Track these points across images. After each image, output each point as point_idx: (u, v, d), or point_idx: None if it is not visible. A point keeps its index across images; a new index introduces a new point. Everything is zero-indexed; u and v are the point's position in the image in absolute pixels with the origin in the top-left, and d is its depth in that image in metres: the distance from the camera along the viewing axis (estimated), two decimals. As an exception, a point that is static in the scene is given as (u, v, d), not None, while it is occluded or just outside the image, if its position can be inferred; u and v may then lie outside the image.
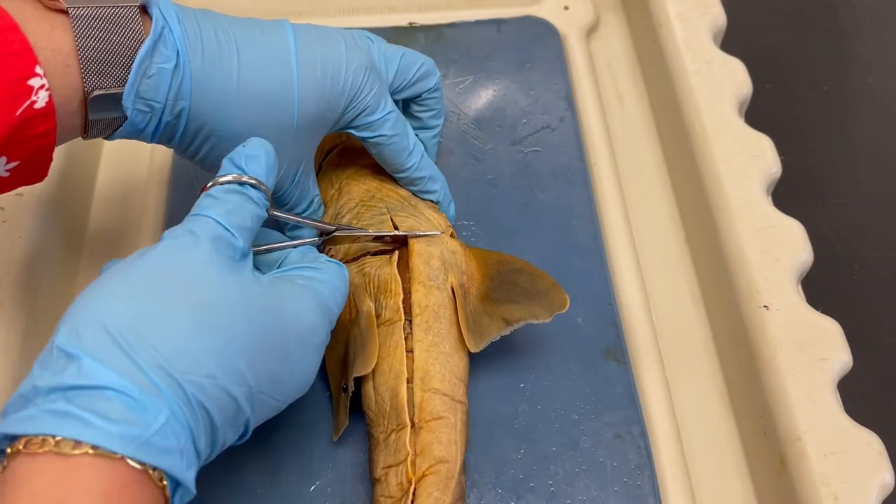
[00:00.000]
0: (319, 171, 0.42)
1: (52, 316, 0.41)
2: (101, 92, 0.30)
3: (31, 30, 0.29)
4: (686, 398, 0.40)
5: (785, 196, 0.43)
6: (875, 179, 0.57)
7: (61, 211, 0.43)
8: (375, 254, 0.38)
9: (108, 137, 0.33)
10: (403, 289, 0.36)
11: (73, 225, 0.45)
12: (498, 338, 0.37)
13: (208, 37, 0.33)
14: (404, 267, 0.37)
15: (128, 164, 0.48)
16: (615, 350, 0.40)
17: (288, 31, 0.35)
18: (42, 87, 0.28)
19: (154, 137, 0.34)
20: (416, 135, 0.40)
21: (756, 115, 0.46)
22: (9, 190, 0.32)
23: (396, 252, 0.38)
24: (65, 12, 0.29)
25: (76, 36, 0.29)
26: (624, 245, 0.44)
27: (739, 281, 0.39)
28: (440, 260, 0.37)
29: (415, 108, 0.41)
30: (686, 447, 0.38)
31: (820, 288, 0.42)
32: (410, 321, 0.36)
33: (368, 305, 0.36)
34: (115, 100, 0.31)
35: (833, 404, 0.36)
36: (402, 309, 0.36)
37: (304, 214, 0.39)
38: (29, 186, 0.41)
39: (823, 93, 0.61)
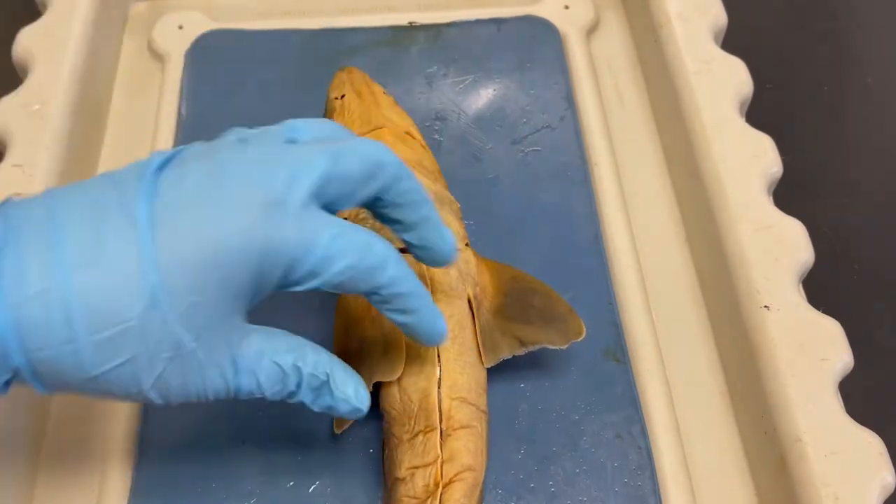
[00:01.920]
0: None
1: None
2: None
3: None
4: (686, 398, 0.40)
5: (785, 196, 0.43)
6: (875, 179, 0.56)
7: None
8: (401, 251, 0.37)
9: None
10: None
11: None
12: (510, 356, 0.37)
13: (32, 275, 0.25)
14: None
15: (128, 155, 0.48)
16: (615, 350, 0.40)
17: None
18: None
19: None
20: (403, 236, 0.32)
21: (756, 115, 0.46)
22: None
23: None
24: None
25: None
26: (624, 245, 0.44)
27: (740, 281, 0.39)
28: (457, 270, 0.37)
29: (381, 211, 0.31)
30: (686, 447, 0.38)
31: (820, 288, 0.41)
32: None
33: None
34: None
35: (834, 404, 0.36)
36: None
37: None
38: (25, 181, 0.42)
39: (823, 93, 0.60)
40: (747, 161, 0.43)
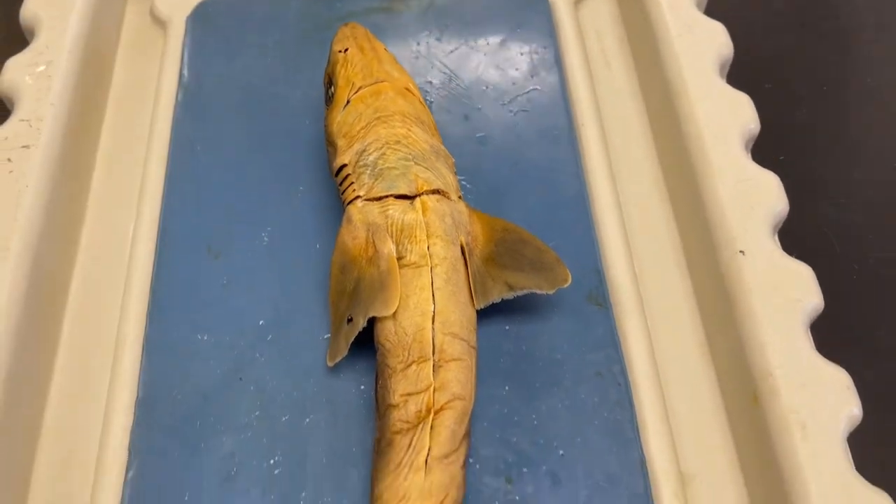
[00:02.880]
0: (347, 104, 0.42)
1: (57, 262, 0.43)
2: None
3: None
4: (665, 338, 0.41)
5: (790, 193, 0.43)
6: (875, 179, 0.57)
7: (67, 163, 0.45)
8: (398, 197, 0.39)
9: None
10: None
11: (79, 176, 0.46)
12: (500, 300, 0.39)
13: None
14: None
15: (131, 117, 0.50)
16: (597, 295, 0.42)
17: None
18: None
19: None
20: None
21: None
22: None
23: (419, 200, 0.39)
24: None
25: None
26: (608, 199, 0.45)
27: (717, 229, 0.41)
28: (451, 218, 0.39)
29: None
30: (664, 384, 0.40)
31: (820, 288, 0.41)
32: (431, 270, 0.37)
33: (390, 247, 0.38)
34: None
35: (804, 342, 0.37)
36: (427, 254, 0.37)
37: None
38: (32, 136, 0.43)
39: (823, 93, 0.60)
40: (726, 119, 0.45)
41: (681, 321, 0.42)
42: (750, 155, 0.44)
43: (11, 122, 0.44)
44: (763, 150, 0.44)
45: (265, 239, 0.44)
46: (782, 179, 0.43)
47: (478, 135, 0.48)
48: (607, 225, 0.44)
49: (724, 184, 0.42)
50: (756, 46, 0.61)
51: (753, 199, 0.42)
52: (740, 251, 0.40)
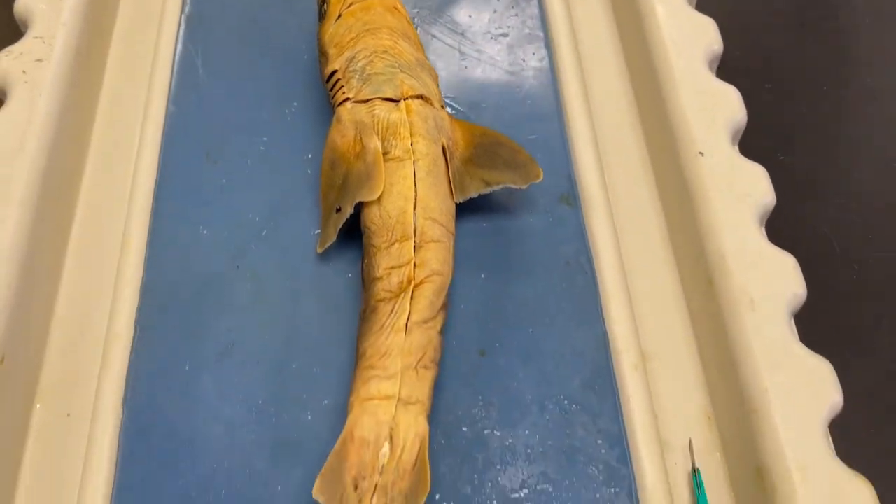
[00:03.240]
0: (339, 17, 0.46)
1: (68, 163, 0.46)
2: None
3: None
4: (630, 232, 0.45)
5: (784, 196, 0.44)
6: (875, 179, 0.57)
7: (77, 76, 0.48)
8: (385, 100, 0.42)
9: None
10: None
11: (88, 87, 0.50)
12: (477, 195, 0.42)
13: None
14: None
15: (137, 37, 0.54)
16: (568, 196, 0.45)
17: None
18: None
19: None
20: None
21: (756, 115, 0.47)
22: None
23: (403, 103, 0.42)
24: None
25: None
26: (580, 109, 0.49)
27: (680, 132, 0.44)
28: (434, 121, 0.42)
29: None
30: (628, 272, 0.43)
31: (820, 288, 0.42)
32: (414, 164, 0.40)
33: (376, 142, 0.41)
34: None
35: (755, 232, 0.41)
36: (411, 149, 0.41)
37: None
38: (45, 51, 0.47)
39: (823, 93, 0.61)
40: (692, 38, 0.48)
41: (645, 216, 0.46)
42: (714, 74, 0.48)
43: (27, 39, 0.48)
44: (763, 150, 0.44)
45: (261, 147, 0.47)
46: (783, 179, 0.44)
47: (463, 61, 0.51)
48: (580, 133, 0.48)
49: (686, 92, 0.45)
50: (756, 46, 0.62)
51: (714, 107, 0.45)
52: (700, 153, 0.43)
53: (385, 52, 0.44)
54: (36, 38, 0.48)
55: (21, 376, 0.39)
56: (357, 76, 0.43)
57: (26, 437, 0.39)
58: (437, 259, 0.39)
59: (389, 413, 0.35)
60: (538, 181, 0.42)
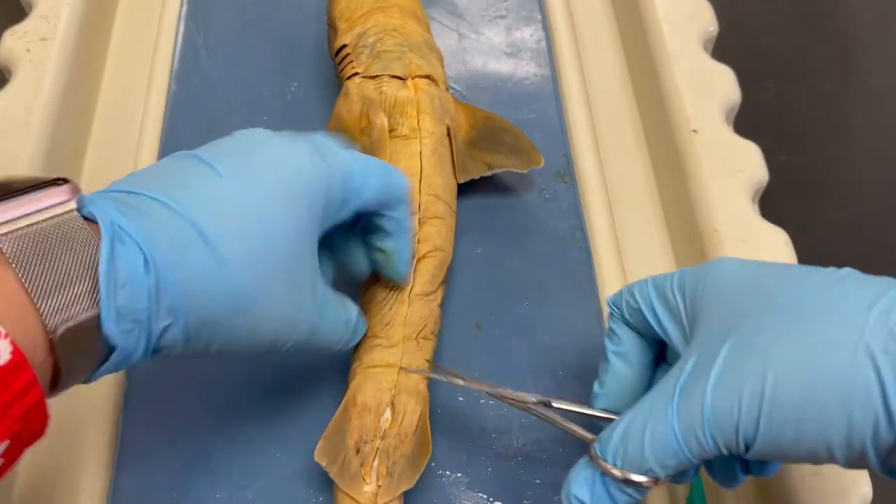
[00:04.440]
0: None
1: (72, 142, 0.47)
2: (71, 324, 0.24)
3: None
4: (624, 208, 0.46)
5: (785, 196, 0.44)
6: (875, 179, 0.57)
7: (82, 53, 0.49)
8: (393, 77, 0.43)
9: (88, 380, 0.27)
10: None
11: (91, 66, 0.51)
12: (478, 177, 0.43)
13: (159, 217, 0.27)
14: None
15: (140, 17, 0.54)
16: (564, 174, 0.46)
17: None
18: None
19: (145, 356, 0.27)
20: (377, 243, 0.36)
21: (756, 115, 0.48)
22: (9, 470, 0.24)
23: (410, 82, 0.43)
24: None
25: (17, 269, 0.23)
26: (577, 90, 0.49)
27: (674, 110, 0.45)
28: (440, 101, 0.43)
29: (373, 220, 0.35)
30: (622, 247, 0.44)
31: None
32: (420, 141, 0.41)
33: (382, 119, 0.41)
34: (91, 329, 0.24)
35: (747, 205, 0.41)
36: (418, 128, 0.41)
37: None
38: (49, 30, 0.47)
39: (823, 93, 0.61)
40: (687, 18, 0.48)
41: (639, 192, 0.46)
42: (709, 55, 0.48)
43: (31, 18, 0.49)
44: (764, 150, 0.44)
45: (262, 126, 0.48)
46: (783, 179, 0.44)
47: (461, 42, 0.52)
48: (577, 111, 0.48)
49: (681, 71, 0.46)
50: (757, 47, 0.62)
51: (708, 86, 0.45)
52: (693, 130, 0.44)
53: (395, 30, 0.44)
54: (40, 17, 0.49)
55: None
56: (367, 52, 0.43)
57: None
58: (439, 235, 0.39)
59: (391, 380, 0.36)
60: (539, 167, 0.43)
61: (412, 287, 0.38)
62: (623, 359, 0.33)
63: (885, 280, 0.26)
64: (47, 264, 0.24)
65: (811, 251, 0.42)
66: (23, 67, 0.46)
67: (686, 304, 0.30)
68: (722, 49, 0.50)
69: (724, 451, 0.26)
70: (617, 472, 0.27)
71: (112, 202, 0.26)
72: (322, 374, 0.39)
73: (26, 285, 0.23)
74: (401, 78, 0.43)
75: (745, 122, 0.47)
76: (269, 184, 0.29)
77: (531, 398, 0.33)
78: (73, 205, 0.25)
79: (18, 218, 0.24)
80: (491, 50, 0.51)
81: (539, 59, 0.51)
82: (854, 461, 0.24)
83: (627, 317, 0.33)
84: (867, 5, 0.67)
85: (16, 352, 0.22)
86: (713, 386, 0.25)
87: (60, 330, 0.24)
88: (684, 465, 0.27)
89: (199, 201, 0.28)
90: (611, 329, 0.33)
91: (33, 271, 0.23)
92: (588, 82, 0.50)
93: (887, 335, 0.24)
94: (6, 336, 0.21)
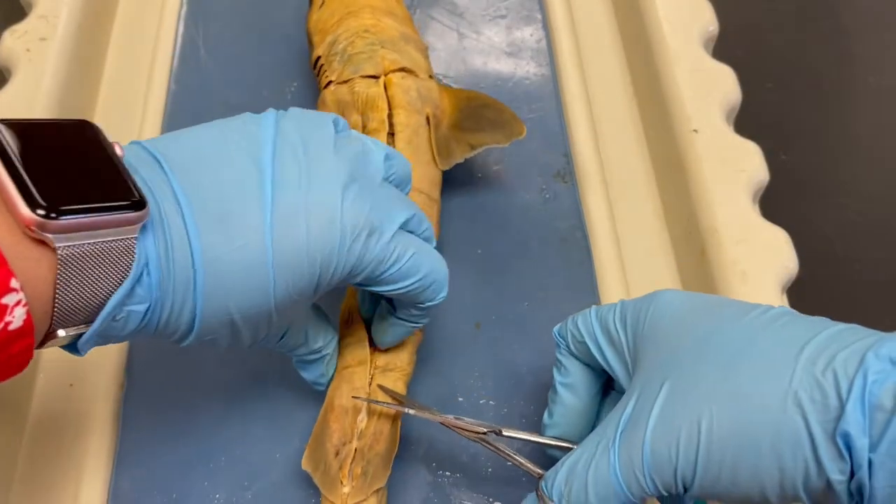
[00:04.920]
0: (322, 5, 0.46)
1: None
2: (64, 333, 0.26)
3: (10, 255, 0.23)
4: (625, 207, 0.45)
5: (785, 196, 0.44)
6: (875, 179, 0.57)
7: (81, 52, 0.48)
8: (365, 77, 0.43)
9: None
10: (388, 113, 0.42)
11: (91, 66, 0.50)
12: (463, 160, 0.43)
13: (179, 257, 0.27)
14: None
15: (140, 19, 0.54)
16: (564, 173, 0.46)
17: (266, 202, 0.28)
18: (19, 303, 0.23)
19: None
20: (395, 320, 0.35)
21: (756, 115, 0.48)
22: None
23: (383, 78, 0.43)
24: (47, 246, 0.24)
25: (59, 275, 0.24)
26: (577, 90, 0.49)
27: (674, 110, 0.45)
28: (417, 92, 0.43)
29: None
30: (622, 246, 0.44)
31: (820, 288, 0.43)
32: (393, 136, 0.41)
33: (355, 119, 0.42)
34: (74, 337, 0.26)
35: (747, 205, 0.41)
36: (386, 121, 0.41)
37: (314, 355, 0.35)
38: (49, 30, 0.47)
39: (823, 93, 0.61)
40: (687, 18, 0.48)
41: (639, 191, 0.46)
42: (709, 55, 0.48)
43: (30, 18, 0.48)
44: (764, 150, 0.44)
45: (262, 125, 0.48)
46: (783, 179, 0.44)
47: (462, 42, 0.52)
48: (577, 112, 0.48)
49: (681, 71, 0.46)
50: (757, 47, 0.62)
51: (708, 85, 0.45)
52: (694, 130, 0.44)
53: (366, 31, 0.44)
54: (40, 17, 0.48)
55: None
56: (338, 58, 0.43)
57: (30, 405, 0.40)
58: None
59: (365, 379, 0.36)
60: (521, 138, 0.42)
61: None
62: (571, 390, 0.33)
63: (816, 321, 0.27)
64: (80, 281, 0.25)
65: (811, 251, 0.42)
66: (23, 67, 0.46)
67: (628, 338, 0.30)
68: (722, 49, 0.49)
69: (664, 493, 0.27)
70: None
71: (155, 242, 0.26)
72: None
73: (57, 292, 0.25)
74: (374, 77, 0.43)
75: (745, 122, 0.46)
76: (293, 258, 0.29)
77: (481, 428, 0.33)
78: (135, 233, 0.26)
79: (86, 242, 0.25)
80: (491, 50, 0.51)
81: (539, 59, 0.51)
82: None
83: (573, 348, 0.33)
84: (867, 5, 0.67)
85: (28, 321, 0.24)
86: (651, 429, 0.26)
87: (58, 332, 0.26)
88: None
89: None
90: (558, 360, 0.33)
91: (68, 283, 0.25)
92: (588, 82, 0.50)
93: (813, 384, 0.24)
94: (25, 306, 0.23)
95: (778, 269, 0.39)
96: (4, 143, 0.24)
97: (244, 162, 0.29)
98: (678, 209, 0.44)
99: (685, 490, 0.26)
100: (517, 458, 0.32)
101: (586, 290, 0.42)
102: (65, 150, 0.26)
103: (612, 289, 0.42)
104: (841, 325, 0.26)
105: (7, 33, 0.48)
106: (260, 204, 0.28)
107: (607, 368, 0.31)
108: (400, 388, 0.36)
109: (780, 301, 0.39)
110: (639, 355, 0.29)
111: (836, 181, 0.56)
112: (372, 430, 0.35)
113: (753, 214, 0.41)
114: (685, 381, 0.27)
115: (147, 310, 0.27)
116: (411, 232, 0.32)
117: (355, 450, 0.34)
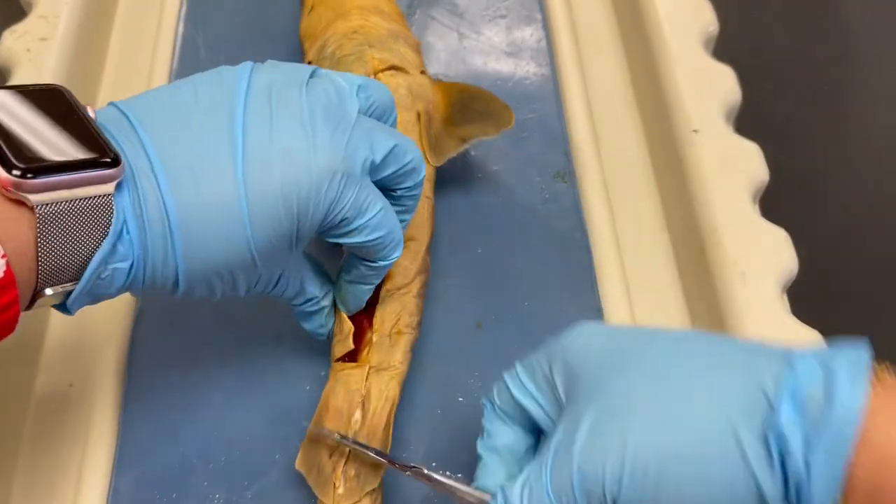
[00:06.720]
0: (311, 10, 0.46)
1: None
2: (51, 291, 0.26)
3: None
4: (624, 207, 0.45)
5: (784, 196, 0.44)
6: (875, 179, 0.57)
7: (81, 52, 0.49)
8: None
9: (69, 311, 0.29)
10: None
11: (91, 66, 0.50)
12: (455, 154, 0.42)
13: (153, 216, 0.27)
14: None
15: (140, 17, 0.54)
16: (564, 173, 0.46)
17: (237, 147, 0.28)
18: None
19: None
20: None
21: (756, 114, 0.48)
22: None
23: (374, 77, 0.42)
24: (25, 205, 0.25)
25: (38, 235, 0.25)
26: (577, 90, 0.49)
27: (674, 110, 0.45)
28: (407, 89, 0.42)
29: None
30: (622, 245, 0.44)
31: (820, 288, 0.43)
32: None
33: None
34: (63, 295, 0.27)
35: (747, 205, 0.41)
36: None
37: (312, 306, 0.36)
38: (49, 30, 0.47)
39: (824, 92, 0.62)
40: (688, 18, 0.48)
41: (639, 191, 0.46)
42: (710, 55, 0.48)
43: (30, 18, 0.48)
44: (764, 150, 0.44)
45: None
46: (783, 179, 0.44)
47: (461, 42, 0.52)
48: (576, 110, 0.48)
49: (682, 71, 0.46)
50: (757, 47, 0.61)
51: (708, 86, 0.45)
52: (694, 130, 0.44)
53: (355, 32, 0.44)
54: (40, 17, 0.48)
55: (24, 347, 0.40)
56: (327, 62, 0.43)
57: (30, 405, 0.40)
58: (412, 225, 0.39)
59: (360, 380, 0.36)
60: (509, 128, 0.42)
61: (383, 282, 0.37)
62: (497, 454, 0.32)
63: (729, 338, 0.29)
64: (61, 241, 0.26)
65: (811, 251, 0.42)
66: (23, 67, 0.46)
67: (560, 379, 0.30)
68: (722, 49, 0.50)
69: None
70: None
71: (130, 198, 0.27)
72: (322, 375, 0.39)
73: (38, 251, 0.25)
74: None
75: (745, 122, 0.47)
76: (270, 197, 0.29)
77: (418, 467, 0.32)
78: (111, 189, 0.26)
79: (63, 201, 0.25)
80: (491, 50, 0.51)
81: (539, 59, 0.51)
82: None
83: (503, 405, 0.32)
84: (867, 5, 0.67)
85: (8, 272, 0.24)
86: (580, 449, 0.27)
87: (45, 291, 0.26)
88: None
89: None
90: (484, 427, 0.33)
91: (49, 242, 0.25)
92: (588, 82, 0.50)
93: (740, 391, 0.25)
94: (4, 256, 0.24)
95: (778, 269, 0.39)
96: None
97: (216, 114, 0.29)
98: (678, 209, 0.44)
99: None
100: (462, 488, 0.32)
101: (586, 290, 0.42)
102: (37, 114, 0.27)
103: (612, 289, 0.42)
104: (755, 340, 0.28)
105: (7, 33, 0.48)
106: (231, 154, 0.28)
107: (540, 418, 0.31)
108: (392, 387, 0.36)
109: (780, 301, 0.39)
110: (569, 389, 0.29)
111: (836, 181, 0.56)
112: (365, 431, 0.35)
113: (753, 214, 0.41)
114: (610, 401, 0.27)
115: (131, 266, 0.28)
116: (397, 161, 0.33)
117: (349, 451, 0.34)
